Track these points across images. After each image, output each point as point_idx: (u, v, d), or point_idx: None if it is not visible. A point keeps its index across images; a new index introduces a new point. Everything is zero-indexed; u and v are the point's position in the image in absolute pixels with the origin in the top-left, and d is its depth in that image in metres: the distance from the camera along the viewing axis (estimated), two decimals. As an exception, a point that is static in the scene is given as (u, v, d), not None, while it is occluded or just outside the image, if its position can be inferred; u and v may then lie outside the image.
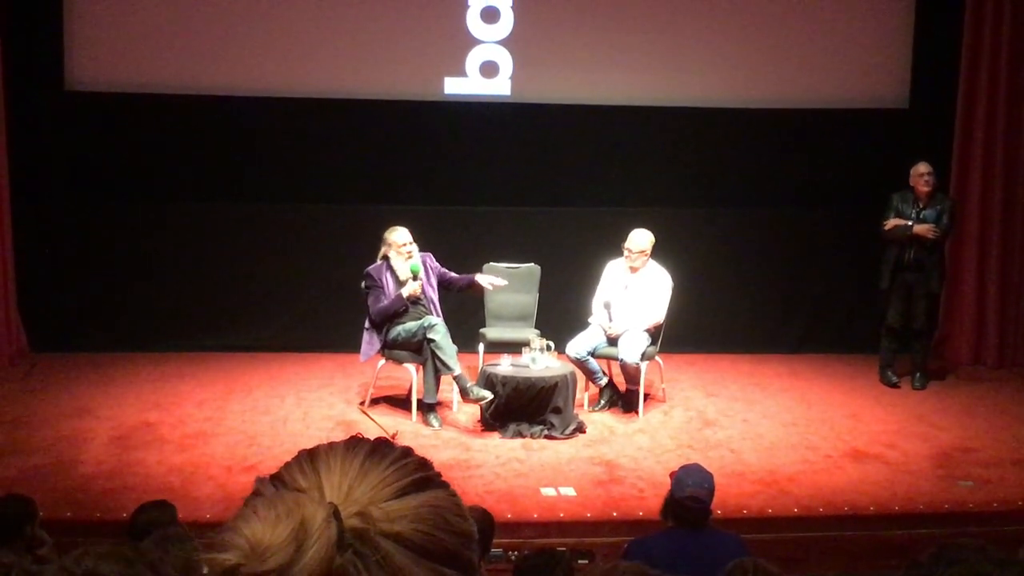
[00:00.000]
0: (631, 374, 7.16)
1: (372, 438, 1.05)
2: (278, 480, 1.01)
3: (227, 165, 8.56)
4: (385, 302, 6.97)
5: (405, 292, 6.96)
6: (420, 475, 1.00)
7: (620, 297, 7.32)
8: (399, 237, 7.02)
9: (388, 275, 7.04)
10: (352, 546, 0.91)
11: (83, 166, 8.40)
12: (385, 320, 6.99)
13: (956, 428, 7.16)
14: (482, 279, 7.21)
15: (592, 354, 7.23)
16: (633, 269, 7.31)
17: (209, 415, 7.06)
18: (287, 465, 1.02)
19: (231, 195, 8.60)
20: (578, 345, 7.20)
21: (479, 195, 8.76)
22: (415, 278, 6.98)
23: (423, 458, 1.04)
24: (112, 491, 5.74)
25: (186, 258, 8.57)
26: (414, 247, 7.04)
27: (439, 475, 1.03)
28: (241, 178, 8.59)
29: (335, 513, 0.92)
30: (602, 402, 7.35)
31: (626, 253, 7.30)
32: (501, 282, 7.27)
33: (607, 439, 6.80)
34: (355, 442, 1.03)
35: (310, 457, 1.01)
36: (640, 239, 7.29)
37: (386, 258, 7.06)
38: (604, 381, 7.31)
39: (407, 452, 1.03)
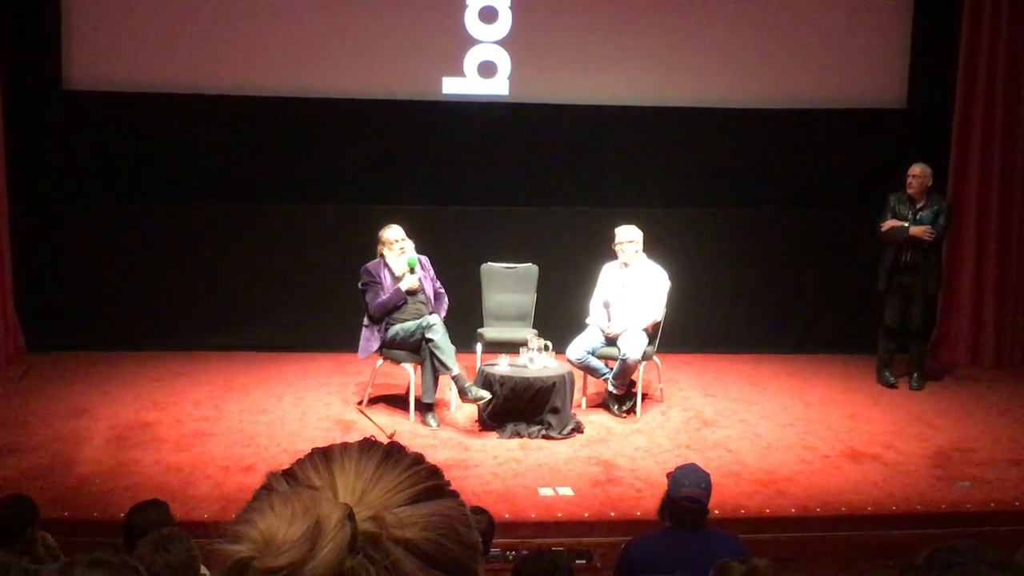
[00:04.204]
0: (628, 372, 7.16)
1: (384, 442, 1.05)
2: (291, 477, 1.01)
3: (224, 165, 8.55)
4: (384, 297, 6.99)
5: (404, 285, 6.99)
6: (432, 483, 1.01)
7: (618, 296, 7.33)
8: (392, 234, 7.08)
9: (385, 271, 7.06)
10: (363, 549, 0.91)
11: (81, 165, 8.40)
12: (384, 315, 7.00)
13: (953, 428, 7.16)
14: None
15: (592, 354, 7.24)
16: (626, 264, 7.32)
17: (207, 415, 7.06)
18: (300, 462, 1.02)
19: (228, 195, 8.59)
20: (577, 348, 7.21)
21: (477, 195, 8.75)
22: (411, 271, 7.02)
23: (434, 466, 1.04)
24: (109, 491, 5.74)
25: (183, 257, 8.56)
26: (408, 243, 7.09)
27: (449, 484, 1.04)
28: (238, 178, 8.59)
29: (350, 515, 0.92)
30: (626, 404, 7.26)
31: (617, 249, 7.32)
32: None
33: (605, 439, 6.80)
34: (369, 444, 1.03)
35: (324, 456, 1.01)
36: (625, 230, 7.34)
37: (383, 255, 7.09)
38: (609, 375, 7.26)
39: (419, 459, 1.04)
